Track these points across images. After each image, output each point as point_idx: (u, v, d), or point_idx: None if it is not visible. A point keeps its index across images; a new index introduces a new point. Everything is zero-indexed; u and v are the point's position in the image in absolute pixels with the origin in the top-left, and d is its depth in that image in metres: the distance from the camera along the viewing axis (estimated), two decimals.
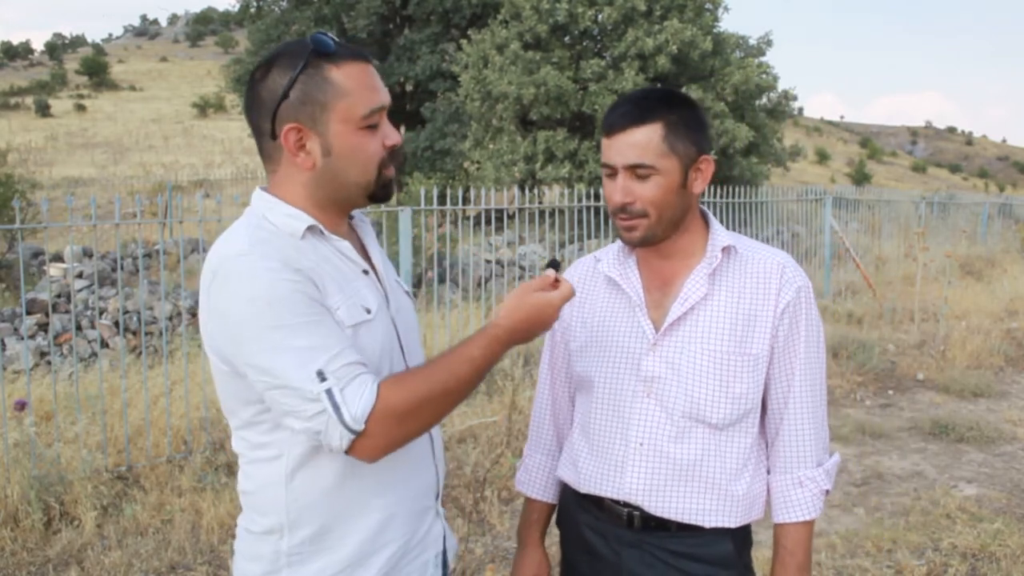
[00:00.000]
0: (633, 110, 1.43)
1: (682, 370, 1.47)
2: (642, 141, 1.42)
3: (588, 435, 1.58)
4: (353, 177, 1.29)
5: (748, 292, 1.48)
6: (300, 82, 1.23)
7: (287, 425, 1.21)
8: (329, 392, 1.15)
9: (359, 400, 1.16)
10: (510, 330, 1.29)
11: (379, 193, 1.33)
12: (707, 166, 1.48)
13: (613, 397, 1.54)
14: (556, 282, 1.34)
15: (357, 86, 1.26)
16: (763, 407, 1.54)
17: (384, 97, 1.29)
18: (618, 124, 1.44)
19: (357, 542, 1.29)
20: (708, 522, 1.48)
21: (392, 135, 1.32)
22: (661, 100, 1.45)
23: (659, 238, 1.48)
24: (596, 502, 1.58)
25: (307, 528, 1.28)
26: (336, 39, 1.26)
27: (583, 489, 1.58)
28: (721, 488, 1.48)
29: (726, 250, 1.51)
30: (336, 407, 1.15)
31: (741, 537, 1.53)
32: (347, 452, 1.19)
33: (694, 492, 1.48)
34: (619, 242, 1.61)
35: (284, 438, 1.26)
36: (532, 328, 1.31)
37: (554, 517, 1.74)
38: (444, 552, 1.46)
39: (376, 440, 1.18)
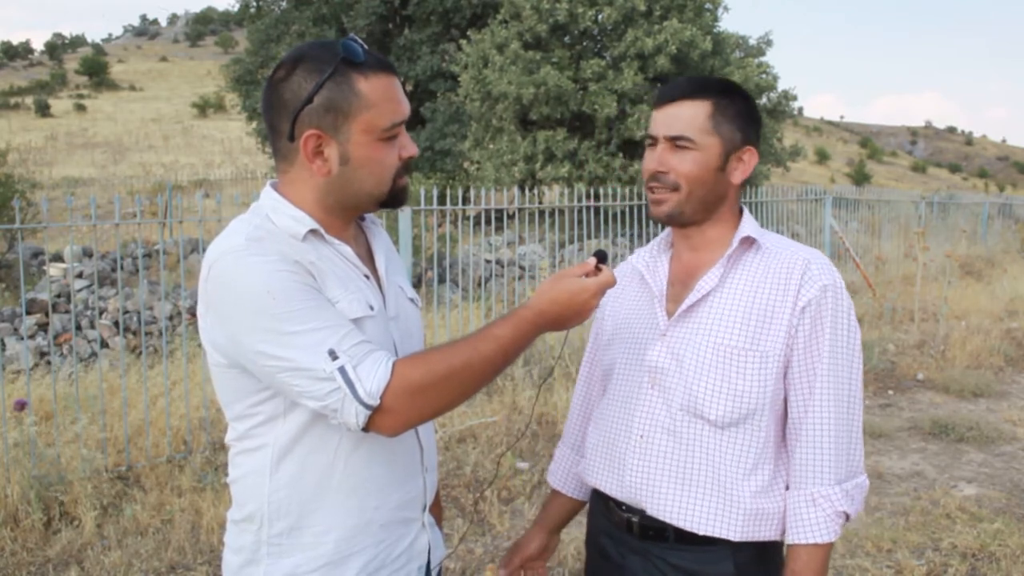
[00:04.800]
0: (686, 84, 1.45)
1: (685, 362, 1.43)
2: (687, 115, 1.42)
3: (599, 427, 1.58)
4: (367, 187, 1.29)
5: (767, 286, 1.42)
6: (326, 88, 1.22)
7: (303, 405, 1.21)
8: (342, 370, 1.15)
9: (373, 376, 1.16)
10: (540, 312, 1.26)
11: (391, 201, 1.33)
12: (750, 157, 1.47)
13: (624, 388, 1.53)
14: (598, 272, 1.30)
15: (382, 98, 1.25)
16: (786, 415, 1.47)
17: (406, 110, 1.29)
18: (667, 96, 1.45)
19: (334, 541, 1.29)
20: (703, 529, 1.41)
21: (409, 147, 1.31)
22: (717, 83, 1.46)
23: (687, 217, 1.46)
24: (605, 502, 1.57)
25: (285, 520, 1.29)
26: (365, 47, 1.25)
27: (591, 482, 1.58)
28: (721, 492, 1.41)
29: (747, 241, 1.47)
30: (350, 384, 1.15)
31: (748, 557, 1.43)
32: (366, 428, 1.18)
33: (691, 493, 1.42)
34: (658, 237, 1.60)
35: (272, 429, 1.27)
36: (564, 313, 1.27)
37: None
38: (428, 564, 1.45)
39: (394, 416, 1.18)
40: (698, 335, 1.43)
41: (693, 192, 1.44)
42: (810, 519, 1.39)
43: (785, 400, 1.45)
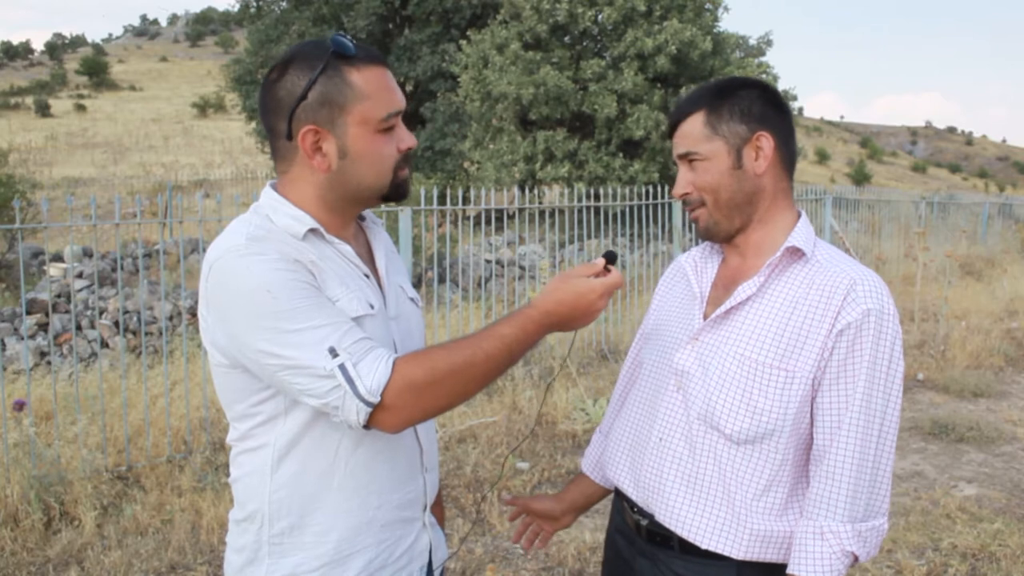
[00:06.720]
0: (683, 104, 1.46)
1: (710, 370, 1.40)
2: (686, 131, 1.44)
3: (624, 421, 1.59)
4: (368, 180, 1.29)
5: (807, 303, 1.35)
6: (319, 84, 1.23)
7: (304, 403, 1.21)
8: (343, 367, 1.15)
9: (374, 373, 1.16)
10: (545, 311, 1.25)
11: (393, 194, 1.33)
12: (766, 141, 1.40)
13: (650, 386, 1.53)
14: (607, 273, 1.28)
15: (376, 89, 1.25)
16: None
17: (401, 101, 1.29)
18: (671, 122, 1.48)
19: (335, 541, 1.30)
20: (706, 542, 1.38)
21: (407, 138, 1.32)
22: (711, 89, 1.44)
23: (724, 227, 1.44)
24: (621, 501, 1.58)
25: (286, 519, 1.29)
26: (355, 41, 1.26)
27: (610, 474, 1.58)
28: (729, 508, 1.38)
29: (793, 252, 1.40)
30: (350, 381, 1.15)
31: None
32: (367, 426, 1.18)
33: (699, 504, 1.40)
34: None
35: (273, 429, 1.27)
36: (571, 313, 1.25)
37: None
38: (430, 564, 1.45)
39: (395, 413, 1.18)
40: (727, 344, 1.39)
41: (718, 199, 1.42)
42: (814, 552, 1.32)
43: (812, 423, 1.38)
